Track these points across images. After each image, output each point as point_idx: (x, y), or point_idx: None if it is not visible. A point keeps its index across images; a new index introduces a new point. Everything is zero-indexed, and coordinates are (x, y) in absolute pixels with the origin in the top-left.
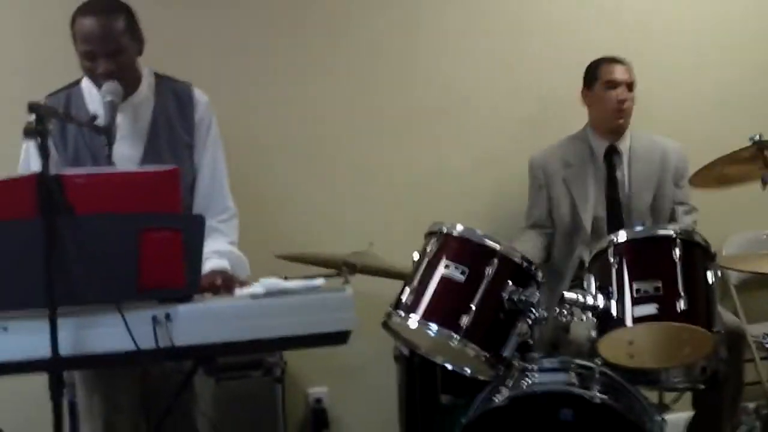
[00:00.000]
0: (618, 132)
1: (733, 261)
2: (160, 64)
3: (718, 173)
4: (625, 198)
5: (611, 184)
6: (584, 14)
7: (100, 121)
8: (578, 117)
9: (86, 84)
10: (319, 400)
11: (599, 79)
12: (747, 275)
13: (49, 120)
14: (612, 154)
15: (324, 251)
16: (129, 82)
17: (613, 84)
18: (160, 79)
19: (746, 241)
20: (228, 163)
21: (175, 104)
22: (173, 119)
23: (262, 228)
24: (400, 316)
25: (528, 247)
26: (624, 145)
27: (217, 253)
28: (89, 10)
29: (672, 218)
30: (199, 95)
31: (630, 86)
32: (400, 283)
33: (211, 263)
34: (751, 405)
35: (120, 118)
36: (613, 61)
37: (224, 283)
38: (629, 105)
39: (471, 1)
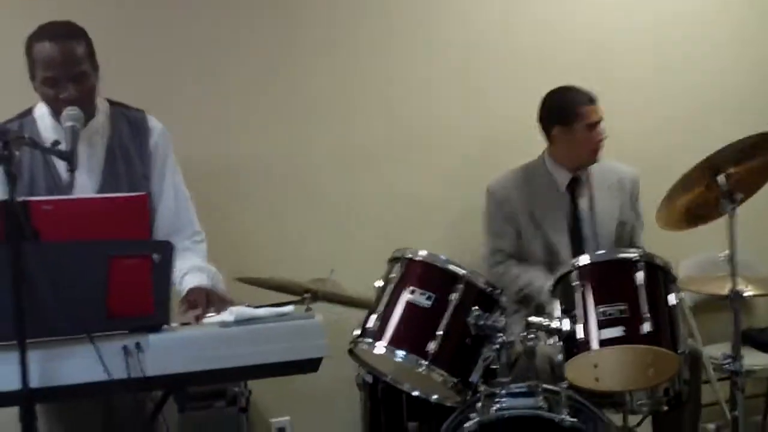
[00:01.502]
0: (573, 166)
1: (689, 283)
2: (115, 91)
3: (678, 209)
4: (590, 228)
5: (575, 215)
6: (546, 38)
7: (62, 147)
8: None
9: (39, 112)
10: (282, 430)
11: (581, 120)
12: (701, 297)
13: (15, 146)
14: (575, 186)
15: (285, 277)
16: (88, 109)
17: (595, 125)
18: (114, 107)
19: (700, 263)
20: (189, 185)
21: (129, 132)
22: (129, 147)
23: (222, 251)
24: (367, 343)
25: (540, 273)
26: (585, 175)
27: (197, 268)
28: (49, 34)
29: (632, 244)
30: (154, 122)
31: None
32: (361, 311)
33: (192, 278)
34: (711, 426)
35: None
36: (590, 100)
37: (210, 300)
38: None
39: (432, 27)
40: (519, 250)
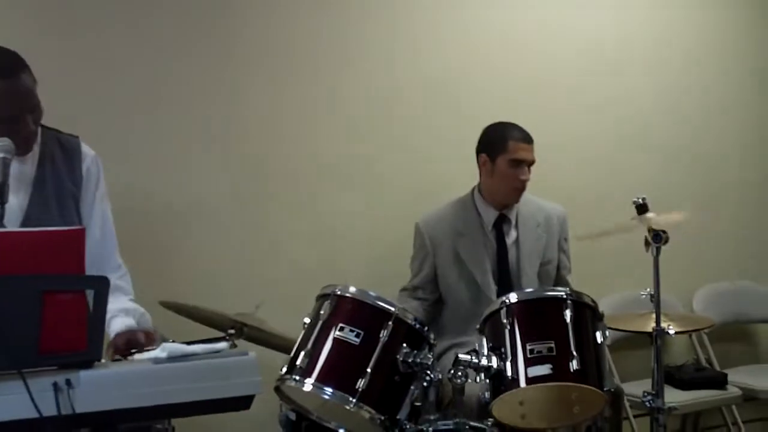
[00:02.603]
0: (501, 203)
1: (614, 321)
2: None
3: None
4: (514, 265)
5: (501, 253)
6: (478, 72)
7: None
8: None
9: None
10: None
11: (505, 153)
12: (619, 335)
13: None
14: (501, 223)
15: (210, 307)
16: (36, 134)
17: (520, 163)
18: (46, 130)
19: (621, 301)
20: (119, 209)
21: (61, 155)
22: (60, 169)
23: (147, 275)
24: (295, 380)
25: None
26: (512, 213)
27: (124, 311)
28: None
29: (558, 283)
30: (87, 149)
31: (531, 164)
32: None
33: (119, 322)
34: None
35: None
36: (523, 139)
37: (147, 340)
38: (527, 185)
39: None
40: (431, 287)
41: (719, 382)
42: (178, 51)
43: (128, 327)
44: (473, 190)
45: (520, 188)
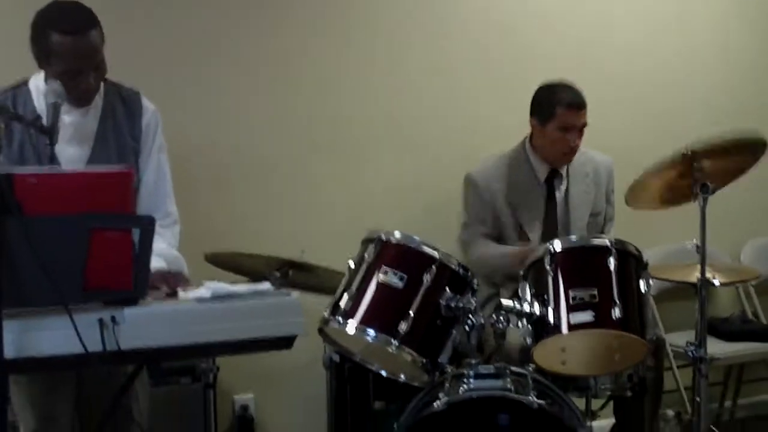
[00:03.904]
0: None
1: (655, 271)
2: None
3: (650, 191)
4: (563, 218)
5: (551, 206)
6: (531, 31)
7: (44, 122)
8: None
9: (34, 84)
10: (245, 407)
11: (555, 119)
12: (664, 285)
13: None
14: (553, 178)
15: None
16: (98, 87)
17: (570, 129)
18: (110, 85)
19: (667, 251)
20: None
21: (123, 109)
22: (121, 123)
23: (190, 231)
24: (339, 321)
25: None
26: (563, 168)
27: (156, 253)
28: (70, 27)
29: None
30: (147, 102)
31: (583, 128)
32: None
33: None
34: (671, 412)
35: (68, 119)
36: (572, 104)
37: (170, 283)
38: (577, 148)
39: (416, 18)
40: (498, 234)
41: (764, 334)
42: (237, 10)
43: (156, 269)
44: (524, 142)
45: (569, 153)
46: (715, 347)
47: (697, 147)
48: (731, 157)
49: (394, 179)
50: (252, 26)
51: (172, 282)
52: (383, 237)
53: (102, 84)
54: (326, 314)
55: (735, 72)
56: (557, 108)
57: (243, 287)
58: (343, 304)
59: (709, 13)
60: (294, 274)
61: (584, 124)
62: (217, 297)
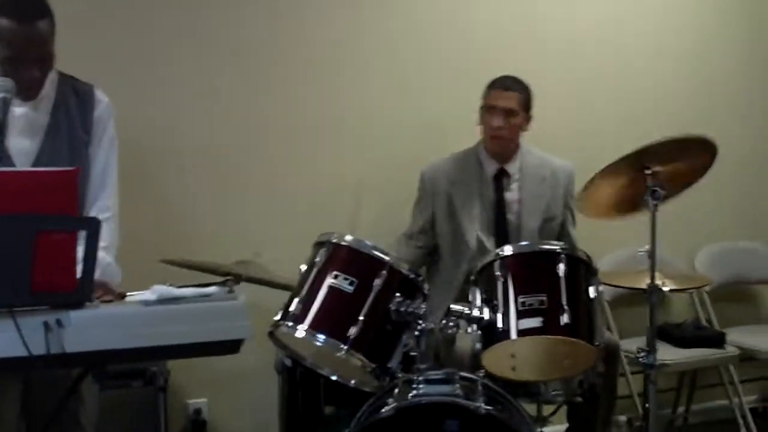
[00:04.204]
0: (500, 156)
1: (608, 277)
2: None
3: (602, 196)
4: (515, 220)
5: (499, 206)
6: (487, 31)
7: None
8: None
9: None
10: (198, 411)
11: (483, 100)
12: (619, 291)
13: None
14: (501, 177)
15: (210, 259)
16: (44, 80)
17: (491, 109)
18: (63, 78)
19: (621, 258)
20: (124, 160)
21: (75, 102)
22: (73, 116)
23: (147, 232)
24: (288, 326)
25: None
26: (514, 167)
27: None
28: (16, 12)
29: (560, 238)
30: (100, 95)
31: (510, 113)
32: (283, 294)
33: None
34: (623, 418)
35: (19, 112)
36: (497, 85)
37: (104, 294)
38: (503, 133)
39: (372, 13)
40: (427, 235)
41: (716, 340)
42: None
43: None
44: (480, 141)
45: (492, 136)
46: (668, 353)
47: (648, 152)
48: (681, 160)
49: (351, 177)
50: (207, 18)
51: (108, 292)
52: (334, 240)
53: (57, 77)
54: (276, 318)
55: (701, 77)
56: (488, 88)
57: (189, 291)
58: (293, 308)
59: (674, 17)
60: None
61: (507, 108)
62: (162, 300)
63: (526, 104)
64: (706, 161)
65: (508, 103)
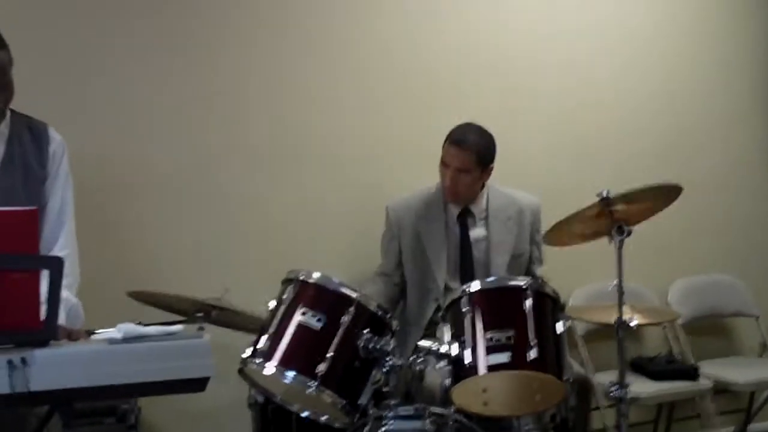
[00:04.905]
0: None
1: (580, 311)
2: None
3: (569, 230)
4: (482, 258)
5: (465, 245)
6: (451, 53)
7: None
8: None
9: None
10: None
11: (442, 154)
12: (592, 326)
13: None
14: (466, 216)
15: (178, 293)
16: (4, 113)
17: (445, 166)
18: (16, 116)
19: (591, 293)
20: (86, 195)
21: (29, 137)
22: (28, 153)
23: (113, 265)
24: (256, 363)
25: (373, 294)
26: (479, 207)
27: None
28: None
29: (526, 275)
30: (54, 133)
31: (462, 171)
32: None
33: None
34: None
35: None
36: (452, 140)
37: (71, 338)
38: (459, 189)
39: (343, 36)
40: (399, 270)
41: (690, 373)
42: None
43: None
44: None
45: (446, 190)
46: (642, 386)
47: (612, 195)
48: (646, 202)
49: (326, 210)
50: (165, 34)
51: (74, 337)
52: (301, 277)
53: (9, 114)
54: (245, 355)
55: (673, 110)
56: (444, 143)
57: (154, 329)
58: (261, 344)
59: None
60: (217, 314)
61: (458, 167)
62: (127, 338)
63: (483, 160)
64: (671, 200)
65: (461, 162)
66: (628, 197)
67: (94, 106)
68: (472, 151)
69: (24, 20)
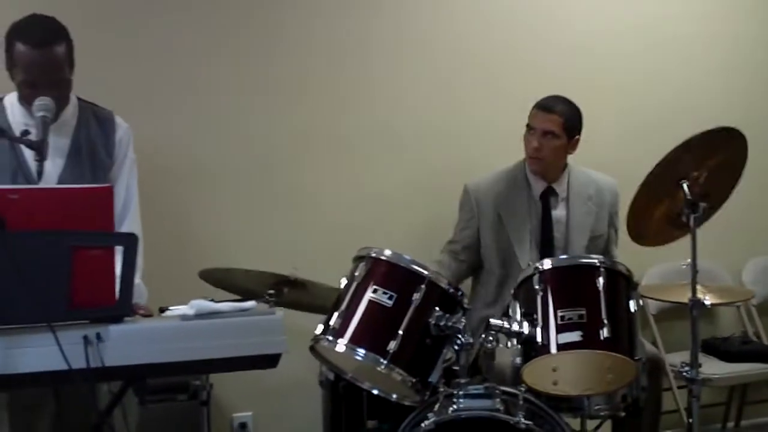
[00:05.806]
0: (544, 175)
1: (653, 291)
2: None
3: (658, 226)
4: (562, 238)
5: (546, 225)
6: (528, 42)
7: (32, 137)
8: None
9: (9, 101)
10: (243, 425)
11: (528, 119)
12: (665, 305)
13: None
14: (548, 195)
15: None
16: (61, 104)
17: (530, 129)
18: (83, 104)
19: (665, 272)
20: (154, 181)
21: (96, 126)
22: (94, 140)
23: (184, 247)
24: (328, 340)
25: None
26: (561, 186)
27: None
28: (33, 39)
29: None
30: (120, 120)
31: (548, 135)
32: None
33: None
34: None
35: None
36: (539, 105)
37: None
38: (541, 155)
39: (415, 28)
40: (470, 251)
41: (765, 355)
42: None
43: None
44: (524, 159)
45: (530, 156)
46: (714, 367)
47: (678, 160)
48: (712, 158)
49: (392, 191)
50: (226, 38)
51: (147, 314)
52: (373, 254)
53: (77, 102)
54: (317, 332)
55: (731, 82)
56: (532, 110)
57: (227, 305)
58: (333, 322)
59: (703, 23)
60: (288, 292)
61: (544, 130)
62: (200, 315)
63: (570, 127)
64: (740, 152)
65: (547, 125)
66: (689, 148)
67: (172, 100)
68: (559, 115)
69: (90, 16)
